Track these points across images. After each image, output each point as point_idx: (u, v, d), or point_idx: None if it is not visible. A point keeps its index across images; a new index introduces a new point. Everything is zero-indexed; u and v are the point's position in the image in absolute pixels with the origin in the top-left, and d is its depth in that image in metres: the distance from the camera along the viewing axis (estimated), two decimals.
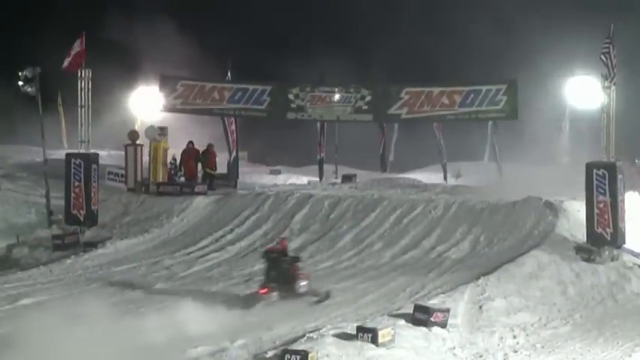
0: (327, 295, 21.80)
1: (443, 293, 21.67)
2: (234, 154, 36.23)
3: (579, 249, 24.80)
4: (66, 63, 29.95)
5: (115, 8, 45.79)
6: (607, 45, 25.22)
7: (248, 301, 21.18)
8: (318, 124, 37.62)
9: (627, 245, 25.19)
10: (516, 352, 19.19)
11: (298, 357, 16.93)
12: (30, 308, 21.55)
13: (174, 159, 34.05)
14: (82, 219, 29.77)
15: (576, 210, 26.38)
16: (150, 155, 33.07)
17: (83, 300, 22.19)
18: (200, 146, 34.00)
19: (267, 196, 30.76)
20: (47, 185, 31.77)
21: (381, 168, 42.04)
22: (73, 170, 29.87)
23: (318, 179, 38.18)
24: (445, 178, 39.32)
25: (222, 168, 35.13)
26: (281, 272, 21.38)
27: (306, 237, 28.10)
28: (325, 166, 39.24)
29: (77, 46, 29.81)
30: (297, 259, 22.22)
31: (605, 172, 25.06)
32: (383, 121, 36.70)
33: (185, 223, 29.94)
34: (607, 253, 24.59)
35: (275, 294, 21.20)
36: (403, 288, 22.80)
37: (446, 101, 30.45)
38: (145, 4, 46.52)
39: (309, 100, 31.80)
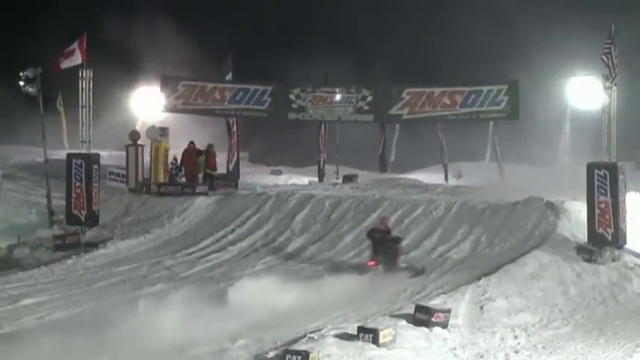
0: (423, 270, 24.12)
1: (444, 293, 21.66)
2: (236, 154, 36.19)
3: (580, 249, 24.78)
4: (60, 63, 30.00)
5: (116, 9, 45.88)
6: (608, 45, 25.20)
7: (360, 271, 23.96)
8: (320, 125, 37.59)
9: (628, 245, 25.16)
10: (517, 352, 19.18)
11: (299, 357, 16.92)
12: (31, 308, 21.56)
13: (175, 159, 34.06)
14: (83, 219, 29.77)
15: (577, 210, 26.35)
16: (151, 156, 33.07)
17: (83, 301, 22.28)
18: (201, 146, 33.98)
19: (268, 197, 30.76)
20: (48, 185, 31.80)
21: (380, 168, 41.95)
22: (74, 170, 29.88)
23: (318, 180, 38.13)
24: (446, 179, 39.32)
25: (221, 168, 35.11)
26: (385, 249, 24.21)
27: (307, 237, 28.10)
28: (326, 167, 39.22)
29: (73, 45, 29.78)
30: (399, 239, 24.83)
31: (607, 173, 25.03)
32: (384, 121, 36.70)
33: (186, 223, 29.95)
34: (608, 253, 24.56)
35: (381, 267, 23.93)
36: (404, 288, 22.78)
37: (447, 101, 30.49)
38: (146, 4, 46.60)
39: (311, 100, 31.84)
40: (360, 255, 26.39)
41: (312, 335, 18.33)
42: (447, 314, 19.52)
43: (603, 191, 25.00)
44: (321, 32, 49.67)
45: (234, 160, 36.07)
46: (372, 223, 28.27)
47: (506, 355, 18.99)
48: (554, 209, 26.82)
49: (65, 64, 29.83)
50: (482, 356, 18.79)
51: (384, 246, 24.29)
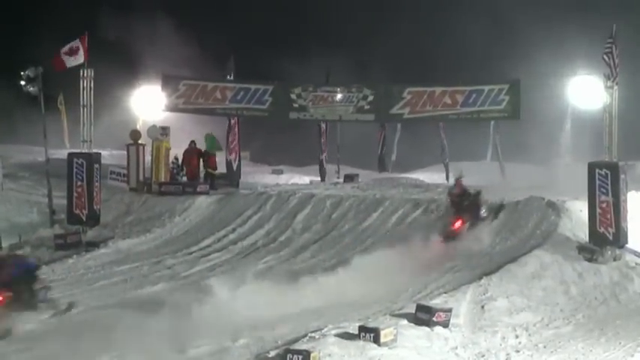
0: (501, 208, 26.79)
1: (445, 293, 21.67)
2: (237, 154, 36.15)
3: (582, 249, 24.78)
4: (65, 61, 30.00)
5: (117, 8, 45.84)
6: (609, 45, 25.22)
7: (447, 237, 25.41)
8: (320, 124, 37.55)
9: (630, 245, 25.19)
10: (518, 352, 19.19)
11: (300, 357, 16.93)
12: None
13: (176, 158, 34.07)
14: (84, 218, 29.84)
15: (579, 210, 26.35)
16: (152, 155, 33.08)
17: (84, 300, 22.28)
18: (202, 146, 33.97)
19: (269, 196, 30.76)
20: (49, 185, 31.77)
21: (379, 167, 41.81)
22: (75, 170, 29.94)
23: (319, 179, 38.08)
24: (447, 178, 39.21)
25: (222, 168, 35.10)
26: (464, 208, 25.87)
27: (308, 237, 28.10)
28: (327, 166, 39.17)
29: (76, 43, 29.78)
30: (480, 192, 26.40)
31: (608, 172, 25.06)
32: (385, 121, 36.65)
33: (187, 222, 29.96)
34: (609, 252, 24.55)
35: (465, 225, 25.58)
36: (405, 288, 22.77)
37: (448, 101, 30.53)
38: (147, 3, 46.55)
39: (312, 99, 31.86)
40: (361, 255, 26.41)
41: (313, 335, 18.34)
42: (448, 314, 19.54)
43: (604, 191, 25.02)
44: (321, 32, 49.59)
45: (235, 160, 36.04)
46: (373, 223, 28.35)
47: (508, 354, 19.00)
48: (555, 209, 26.80)
49: (70, 62, 29.86)
50: (483, 356, 18.80)
51: (463, 205, 25.89)
